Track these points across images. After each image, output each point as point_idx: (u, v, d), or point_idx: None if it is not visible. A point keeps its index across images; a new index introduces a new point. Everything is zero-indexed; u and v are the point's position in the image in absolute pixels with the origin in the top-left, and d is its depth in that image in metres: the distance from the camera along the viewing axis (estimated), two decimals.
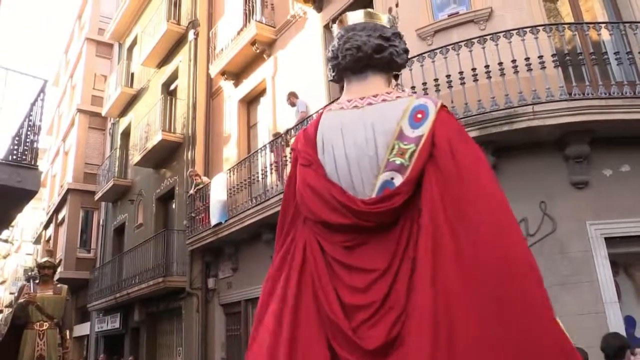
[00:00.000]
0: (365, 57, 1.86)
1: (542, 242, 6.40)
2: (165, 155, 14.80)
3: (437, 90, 6.86)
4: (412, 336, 1.41)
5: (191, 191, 12.32)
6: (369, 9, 1.94)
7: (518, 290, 1.38)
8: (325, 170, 1.76)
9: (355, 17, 1.91)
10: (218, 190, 10.92)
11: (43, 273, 9.33)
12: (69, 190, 21.67)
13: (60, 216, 23.20)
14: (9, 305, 39.86)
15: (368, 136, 1.73)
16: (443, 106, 1.71)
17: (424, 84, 6.97)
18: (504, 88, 6.49)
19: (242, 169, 10.60)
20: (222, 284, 11.84)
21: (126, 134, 19.04)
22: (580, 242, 6.33)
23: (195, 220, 12.00)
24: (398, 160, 1.69)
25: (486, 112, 6.47)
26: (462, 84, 6.70)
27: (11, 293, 37.98)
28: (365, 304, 1.52)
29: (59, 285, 9.14)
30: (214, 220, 10.84)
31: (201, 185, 12.02)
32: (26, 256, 36.60)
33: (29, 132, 6.83)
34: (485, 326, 1.34)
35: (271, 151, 9.69)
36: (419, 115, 1.70)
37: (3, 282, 46.38)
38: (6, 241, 30.55)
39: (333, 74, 1.95)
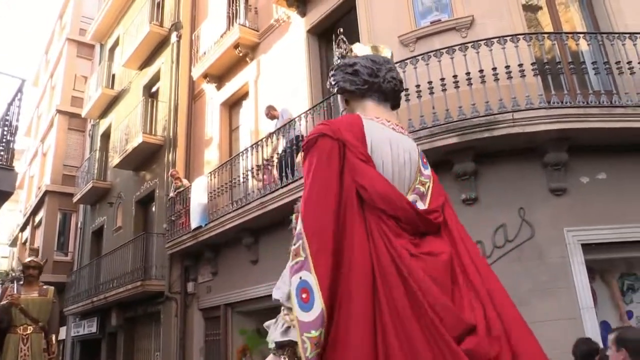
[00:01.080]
0: (399, 91, 2.26)
1: (521, 248, 6.47)
2: (145, 158, 14.67)
3: (419, 97, 6.91)
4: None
5: (171, 194, 12.23)
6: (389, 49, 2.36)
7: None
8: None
9: (387, 52, 2.32)
10: (199, 193, 10.85)
11: (28, 273, 8.87)
12: (46, 192, 21.37)
13: (37, 218, 22.85)
14: None
15: (406, 159, 2.07)
16: None
17: (406, 89, 7.01)
18: (485, 95, 6.56)
19: (224, 172, 10.55)
20: (201, 288, 11.75)
21: (106, 136, 18.84)
22: (558, 248, 6.41)
23: (175, 223, 11.90)
24: (421, 189, 2.08)
25: (467, 119, 6.53)
26: (444, 90, 6.76)
27: None
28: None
29: (44, 287, 8.73)
30: (194, 224, 10.77)
31: (182, 188, 11.93)
32: (1, 259, 35.91)
33: (5, 132, 6.72)
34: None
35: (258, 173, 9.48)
36: (424, 160, 2.17)
37: None
38: None
39: (363, 87, 2.19)
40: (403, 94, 6.95)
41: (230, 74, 12.13)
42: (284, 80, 10.18)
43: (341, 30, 2.55)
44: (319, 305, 1.69)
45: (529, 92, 6.43)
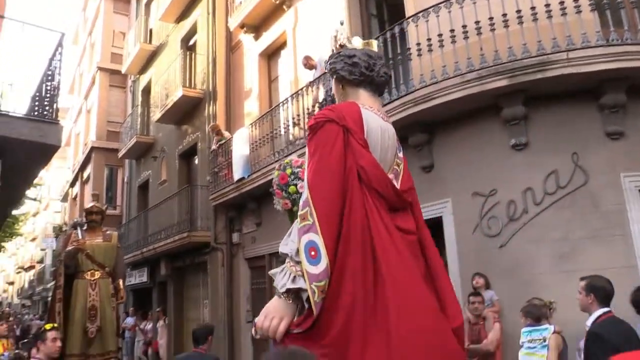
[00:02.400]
0: (385, 84, 2.66)
1: (574, 195, 6.21)
2: (186, 111, 14.71)
3: (466, 38, 6.57)
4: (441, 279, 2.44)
5: (213, 146, 12.27)
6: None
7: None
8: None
9: (375, 47, 2.75)
10: (240, 145, 10.83)
11: (91, 219, 8.91)
12: (92, 149, 21.85)
13: (85, 174, 23.49)
14: (41, 261, 41.02)
15: (390, 144, 2.50)
16: None
17: (452, 30, 6.68)
18: (537, 34, 6.17)
19: (264, 123, 10.47)
20: (246, 238, 11.91)
21: (147, 91, 18.95)
22: (614, 194, 6.12)
23: (218, 175, 11.99)
24: (397, 169, 2.54)
25: (517, 60, 6.18)
26: (492, 30, 6.40)
27: (42, 249, 39.01)
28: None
29: (108, 232, 8.78)
30: (236, 176, 10.80)
31: (223, 141, 11.95)
32: (54, 214, 37.41)
33: (48, 87, 6.75)
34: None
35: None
36: (398, 143, 2.59)
37: (33, 239, 47.64)
38: (34, 199, 31.23)
39: (359, 78, 2.56)
40: (449, 35, 6.66)
41: (268, 23, 11.86)
42: (323, 28, 9.86)
43: (342, 21, 3.01)
44: (324, 261, 2.09)
45: (585, 30, 6.01)
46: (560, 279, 5.91)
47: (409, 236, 2.41)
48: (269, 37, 11.86)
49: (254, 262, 11.64)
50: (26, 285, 49.25)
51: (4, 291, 64.28)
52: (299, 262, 2.16)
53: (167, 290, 15.73)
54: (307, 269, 2.13)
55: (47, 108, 6.57)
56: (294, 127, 9.46)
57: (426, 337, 2.06)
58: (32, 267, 46.46)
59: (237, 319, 11.97)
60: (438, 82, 6.65)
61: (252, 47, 12.55)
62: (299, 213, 2.24)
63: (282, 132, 9.80)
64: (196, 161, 14.61)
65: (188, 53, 15.25)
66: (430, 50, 6.90)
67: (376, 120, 2.49)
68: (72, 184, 27.01)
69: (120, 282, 8.44)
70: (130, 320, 16.31)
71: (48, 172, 41.51)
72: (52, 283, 31.68)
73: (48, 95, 6.71)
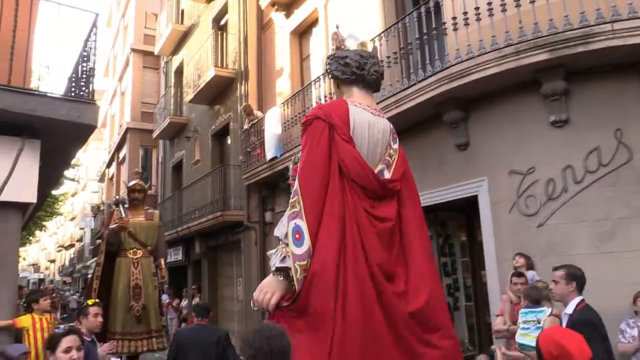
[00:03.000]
0: (378, 81, 3.02)
1: (617, 173, 5.98)
2: (218, 91, 14.76)
3: (504, 11, 6.35)
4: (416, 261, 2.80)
5: (246, 126, 12.30)
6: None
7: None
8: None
9: (369, 47, 3.14)
10: (272, 124, 10.82)
11: (133, 197, 8.86)
12: (127, 129, 22.19)
13: (121, 155, 23.92)
14: (80, 240, 42.20)
15: (379, 137, 2.85)
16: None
17: (489, 3, 6.46)
18: (579, 5, 5.92)
19: (296, 102, 10.42)
20: (278, 217, 11.90)
21: (179, 72, 19.07)
22: None
23: (251, 155, 12.03)
24: (389, 160, 2.90)
25: (558, 33, 5.94)
26: (532, 2, 6.16)
27: (81, 228, 40.09)
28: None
29: (150, 211, 8.77)
30: (269, 155, 10.82)
31: (255, 120, 11.95)
32: (92, 194, 38.30)
33: (84, 68, 6.81)
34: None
35: None
36: (394, 135, 2.98)
37: (73, 219, 48.99)
38: (73, 180, 32.00)
39: (351, 77, 2.93)
40: (486, 8, 6.45)
41: (299, 1, 11.74)
42: (355, 4, 9.70)
43: (337, 25, 3.30)
44: (307, 244, 2.46)
45: None
46: (600, 260, 5.75)
47: (384, 224, 2.77)
48: (300, 14, 11.74)
49: None
50: (67, 263, 50.88)
51: (46, 269, 66.53)
52: (287, 244, 2.53)
53: (201, 269, 15.99)
54: (292, 250, 2.50)
55: (83, 89, 6.64)
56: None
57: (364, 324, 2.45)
58: (72, 246, 47.91)
59: None
60: (474, 57, 6.46)
61: (283, 26, 12.45)
62: (290, 201, 2.61)
63: None
64: (229, 141, 14.69)
65: (219, 33, 15.26)
66: (466, 24, 6.70)
67: (364, 116, 2.83)
68: (109, 165, 27.56)
69: (162, 261, 8.44)
70: (164, 298, 16.65)
71: (85, 153, 42.46)
72: (93, 260, 32.58)
73: (84, 76, 6.77)
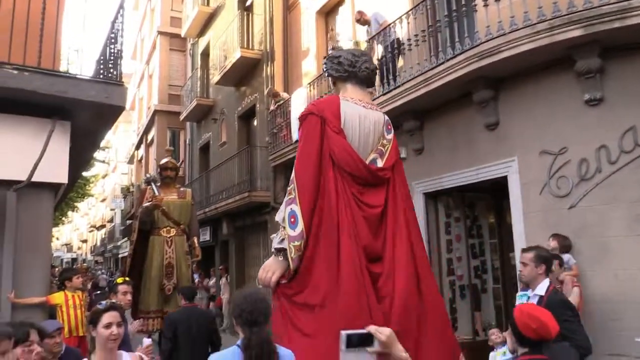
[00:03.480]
0: (371, 77, 3.31)
1: None
2: (244, 73, 14.74)
3: None
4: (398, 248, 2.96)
5: (272, 107, 12.28)
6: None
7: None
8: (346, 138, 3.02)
9: (363, 47, 3.51)
10: (298, 106, 10.74)
11: (165, 175, 8.80)
12: (155, 112, 22.42)
13: (149, 137, 24.21)
14: (111, 220, 43.07)
15: (371, 128, 3.12)
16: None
17: None
18: None
19: (322, 83, 10.32)
20: None
21: (206, 54, 19.11)
22: None
23: (277, 136, 12.02)
24: (382, 149, 3.15)
25: (594, 7, 5.71)
26: None
27: (111, 209, 40.91)
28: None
29: (182, 189, 8.73)
30: (295, 136, 10.77)
31: (281, 101, 11.91)
32: (122, 175, 38.97)
33: (112, 50, 6.85)
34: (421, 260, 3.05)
35: None
36: (389, 126, 3.25)
37: (103, 200, 50.00)
38: (103, 162, 32.68)
39: (344, 74, 3.23)
40: None
41: None
42: None
43: (332, 28, 4.18)
44: (300, 226, 2.77)
45: None
46: (635, 242, 5.59)
47: (372, 209, 3.04)
48: None
49: None
50: (98, 243, 52.09)
51: (79, 248, 68.26)
52: (284, 227, 2.83)
53: (228, 249, 16.17)
54: (288, 232, 2.81)
55: (111, 71, 6.69)
56: None
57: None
58: (103, 226, 48.98)
59: None
60: (505, 34, 6.28)
61: (309, 5, 12.31)
62: (288, 188, 2.92)
63: None
64: (255, 122, 14.70)
65: (245, 14, 15.19)
66: (497, 0, 6.50)
67: (355, 110, 3.12)
68: (138, 147, 27.95)
69: (195, 239, 8.42)
70: (195, 277, 16.91)
71: (115, 136, 43.16)
72: (123, 240, 33.17)
73: (112, 58, 6.81)
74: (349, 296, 2.65)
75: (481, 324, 8.12)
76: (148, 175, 9.22)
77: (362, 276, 2.77)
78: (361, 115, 3.19)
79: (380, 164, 3.29)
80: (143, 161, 25.94)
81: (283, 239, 2.97)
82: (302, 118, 3.11)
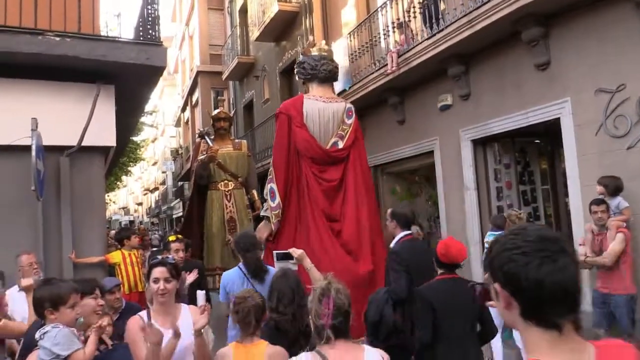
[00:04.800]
0: (331, 77, 5.75)
1: None
2: (283, 27, 14.56)
3: None
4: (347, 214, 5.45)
5: None
6: (327, 46, 6.38)
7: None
8: (308, 130, 5.37)
9: (324, 48, 6.05)
10: (339, 56, 10.57)
11: (219, 126, 8.47)
12: (198, 73, 22.57)
13: (193, 98, 24.49)
14: (163, 183, 44.35)
15: (330, 117, 5.41)
16: (355, 109, 5.93)
17: None
18: None
19: (363, 32, 10.08)
20: None
21: (244, 11, 18.93)
22: None
23: None
24: (342, 133, 5.48)
25: None
26: None
27: (163, 172, 41.99)
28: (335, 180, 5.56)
29: (237, 140, 8.54)
30: (338, 87, 10.64)
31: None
32: (170, 138, 39.78)
33: (149, 11, 6.87)
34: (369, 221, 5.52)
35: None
36: (350, 113, 5.69)
37: (155, 164, 51.37)
38: (152, 126, 33.39)
39: (308, 76, 5.68)
40: None
41: None
42: None
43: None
44: (277, 199, 5.10)
45: None
46: None
47: (329, 183, 5.28)
48: None
49: None
50: (153, 205, 53.86)
51: (135, 211, 70.87)
52: (266, 200, 4.69)
53: None
54: (270, 203, 4.92)
55: (150, 32, 6.72)
56: (394, 32, 9.01)
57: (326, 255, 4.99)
58: (156, 189, 50.52)
59: None
60: None
61: None
62: (269, 169, 5.00)
63: (382, 39, 9.39)
64: (297, 77, 14.57)
65: None
66: None
67: (315, 105, 5.26)
68: (183, 109, 28.36)
69: (255, 192, 8.18)
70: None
71: (161, 100, 43.87)
72: (177, 201, 34.07)
73: (150, 20, 6.84)
74: (314, 239, 5.16)
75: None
76: (201, 130, 9.05)
77: (317, 228, 5.19)
78: (320, 108, 5.34)
79: (340, 145, 5.51)
80: (189, 123, 26.35)
81: (267, 209, 5.10)
82: (276, 116, 5.36)
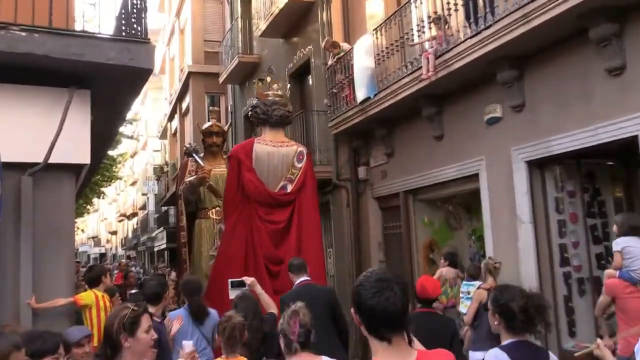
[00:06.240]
0: (281, 121, 8.52)
1: None
2: (295, 20, 14.73)
3: None
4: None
5: (330, 62, 12.21)
6: (278, 92, 9.20)
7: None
8: (257, 174, 7.93)
9: (277, 93, 8.98)
10: (363, 58, 10.65)
11: (210, 142, 8.66)
12: (190, 74, 22.82)
13: (184, 105, 24.74)
14: (143, 207, 44.59)
15: (279, 162, 8.10)
16: (309, 153, 8.87)
17: None
18: None
19: (391, 27, 10.15)
20: (375, 173, 11.91)
21: (247, 1, 19.16)
22: None
23: (338, 97, 11.97)
24: (291, 177, 8.08)
25: None
26: None
27: (143, 194, 42.31)
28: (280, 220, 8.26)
29: None
30: (360, 95, 10.70)
31: (342, 54, 11.82)
32: (154, 153, 40.13)
33: (134, 2, 6.96)
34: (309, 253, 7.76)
35: None
36: (301, 157, 8.35)
37: (134, 184, 51.73)
38: (131, 137, 33.41)
39: (260, 120, 8.45)
40: None
41: None
42: None
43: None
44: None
45: None
46: None
47: (276, 225, 7.84)
48: None
49: (386, 201, 11.66)
50: (130, 235, 54.14)
51: (107, 242, 71.24)
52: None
53: None
54: (217, 242, 8.47)
55: (135, 26, 6.80)
56: (430, 28, 9.05)
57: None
58: (134, 215, 50.86)
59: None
60: None
61: None
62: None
63: (415, 37, 9.44)
64: (310, 81, 14.70)
65: None
66: None
67: (265, 149, 7.96)
68: (171, 118, 28.66)
69: None
70: None
71: (144, 106, 44.45)
72: (159, 231, 34.17)
73: (135, 11, 6.93)
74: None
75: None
76: (188, 146, 9.13)
77: (256, 271, 7.14)
78: (270, 153, 7.72)
79: (289, 188, 7.87)
80: (178, 135, 26.57)
81: (216, 248, 8.14)
82: (228, 159, 7.91)
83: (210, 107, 9.55)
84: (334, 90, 12.13)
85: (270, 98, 8.40)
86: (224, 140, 8.49)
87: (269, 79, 9.62)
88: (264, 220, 7.78)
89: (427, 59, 8.62)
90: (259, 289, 5.52)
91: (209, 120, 8.74)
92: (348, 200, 12.57)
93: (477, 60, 7.91)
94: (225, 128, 8.75)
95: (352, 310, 2.09)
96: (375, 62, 10.49)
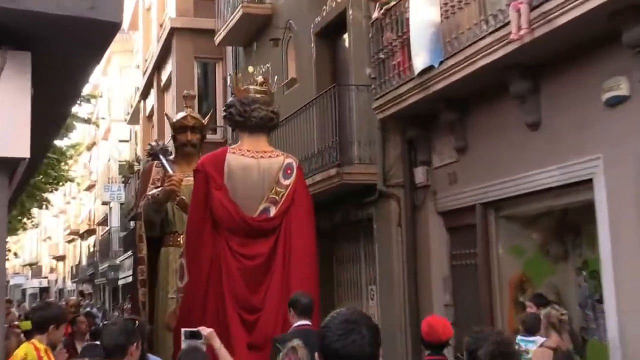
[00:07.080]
0: (262, 125, 8.58)
1: None
2: None
3: None
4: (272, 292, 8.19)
5: (376, 14, 12.23)
6: (263, 86, 8.93)
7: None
8: (228, 193, 8.18)
9: (254, 90, 8.71)
10: (424, 8, 10.64)
11: (184, 140, 8.81)
12: (173, 31, 22.86)
13: (164, 75, 24.87)
14: (104, 222, 44.83)
15: (259, 178, 8.30)
16: (299, 166, 9.08)
17: None
18: None
19: None
20: (439, 176, 11.89)
21: None
22: None
23: (386, 65, 11.98)
24: (275, 197, 8.29)
25: None
26: None
27: (104, 203, 42.51)
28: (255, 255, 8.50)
29: None
30: (419, 64, 10.70)
31: (392, 3, 11.83)
32: (120, 144, 40.19)
33: None
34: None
35: None
36: (289, 171, 8.49)
37: (90, 188, 51.91)
38: (88, 121, 32.25)
39: (235, 123, 8.80)
40: None
41: None
42: None
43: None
44: (186, 278, 8.15)
45: None
46: None
47: (251, 261, 8.11)
48: None
49: (455, 218, 11.65)
50: (83, 262, 54.52)
51: (51, 271, 71.48)
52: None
53: None
54: (177, 283, 8.46)
55: None
56: None
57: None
58: (91, 233, 51.19)
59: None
60: None
61: None
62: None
63: None
64: (346, 43, 14.72)
65: None
66: None
67: (241, 161, 8.10)
68: (144, 94, 28.77)
69: None
70: None
71: (106, 77, 44.71)
72: (125, 257, 34.40)
73: None
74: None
75: None
76: (152, 144, 9.29)
77: (225, 317, 7.68)
78: (247, 166, 7.76)
79: (273, 212, 8.02)
80: (155, 118, 26.66)
81: (175, 290, 8.29)
82: (194, 172, 8.09)
83: (185, 92, 9.47)
84: (381, 56, 12.15)
85: (250, 95, 8.52)
86: (203, 137, 8.56)
87: (251, 68, 9.63)
88: (236, 254, 8.04)
89: (519, 10, 8.59)
90: (217, 342, 5.99)
91: (186, 107, 8.77)
92: (400, 216, 12.56)
93: (590, 13, 7.84)
94: (205, 120, 8.78)
95: (315, 355, 2.48)
96: (441, 15, 10.48)
